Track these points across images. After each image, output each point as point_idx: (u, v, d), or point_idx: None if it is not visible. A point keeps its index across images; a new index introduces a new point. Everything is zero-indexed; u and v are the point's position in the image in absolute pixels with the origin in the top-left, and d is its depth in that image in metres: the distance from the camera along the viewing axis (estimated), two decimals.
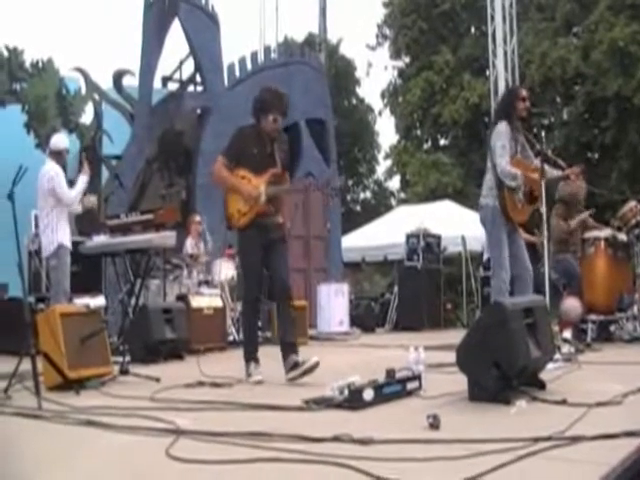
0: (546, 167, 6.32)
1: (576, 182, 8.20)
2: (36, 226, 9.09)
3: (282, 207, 5.97)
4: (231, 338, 9.83)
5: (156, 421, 3.85)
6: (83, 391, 5.17)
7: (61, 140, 8.03)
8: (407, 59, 31.88)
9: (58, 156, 7.77)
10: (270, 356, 7.47)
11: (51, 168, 7.62)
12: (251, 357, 5.75)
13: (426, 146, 30.83)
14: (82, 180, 7.82)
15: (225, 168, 5.72)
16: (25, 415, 4.24)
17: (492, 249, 6.36)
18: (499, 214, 6.06)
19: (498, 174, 6.03)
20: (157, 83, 14.82)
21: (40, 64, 12.72)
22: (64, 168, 7.91)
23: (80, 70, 13.43)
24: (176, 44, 14.79)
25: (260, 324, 10.70)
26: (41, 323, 5.43)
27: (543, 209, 6.54)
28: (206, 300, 9.35)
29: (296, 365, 5.51)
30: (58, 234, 7.61)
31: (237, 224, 5.72)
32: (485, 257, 12.97)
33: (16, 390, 4.90)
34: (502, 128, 6.13)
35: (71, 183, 7.92)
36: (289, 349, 5.62)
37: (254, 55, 15.35)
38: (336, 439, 3.27)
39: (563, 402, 4.07)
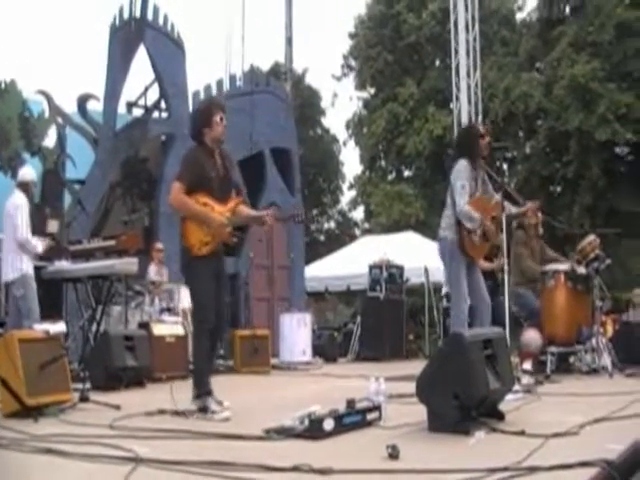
0: (505, 203, 6.44)
1: (534, 218, 8.39)
2: None
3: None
4: (193, 367, 9.76)
5: (115, 449, 3.82)
6: (42, 418, 5.11)
7: (28, 173, 8.08)
8: (372, 90, 32.22)
9: (25, 187, 7.81)
10: (232, 385, 7.46)
11: (18, 198, 7.65)
12: (208, 391, 5.33)
13: (390, 177, 31.06)
14: (40, 244, 7.80)
15: (184, 194, 5.32)
16: None
17: (451, 281, 6.43)
18: (457, 247, 6.15)
19: (456, 213, 6.12)
20: (122, 108, 14.79)
21: (3, 85, 12.64)
22: (31, 199, 7.93)
23: (44, 93, 13.37)
24: (141, 70, 14.79)
25: (222, 352, 10.73)
26: None
27: (503, 238, 6.63)
28: (168, 328, 9.30)
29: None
30: (22, 262, 7.55)
31: (198, 253, 5.34)
32: (444, 291, 13.04)
33: None
34: (462, 167, 6.21)
35: (36, 207, 7.91)
36: None
37: (219, 83, 15.39)
38: (296, 469, 3.28)
39: (521, 433, 4.10)
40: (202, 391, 5.31)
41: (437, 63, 30.44)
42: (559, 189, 25.85)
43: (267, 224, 5.52)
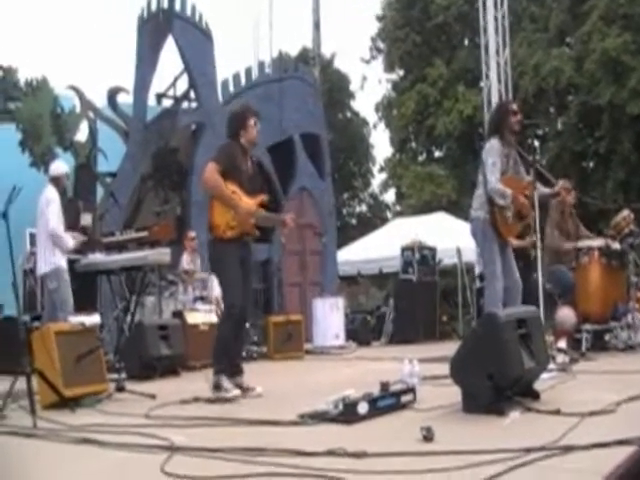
0: (537, 184, 6.39)
1: (567, 197, 8.27)
2: (31, 244, 9.12)
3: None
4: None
5: (151, 438, 3.87)
6: (79, 409, 5.19)
7: (60, 166, 8.12)
8: (401, 72, 31.98)
9: (57, 181, 7.87)
10: (266, 370, 7.51)
11: (50, 193, 7.71)
12: (224, 369, 5.62)
13: (421, 158, 30.87)
14: (73, 239, 7.87)
15: (218, 175, 5.64)
16: (20, 434, 4.26)
17: (485, 261, 6.42)
18: (489, 226, 6.12)
19: (488, 191, 6.09)
20: (151, 100, 14.83)
21: (34, 83, 12.74)
22: (64, 192, 8.00)
23: (74, 88, 13.46)
24: (170, 61, 14.83)
25: (256, 338, 10.79)
26: (36, 341, 5.44)
27: (536, 216, 6.57)
28: (202, 316, 9.35)
29: (239, 388, 5.63)
30: (54, 256, 7.63)
31: (222, 235, 5.66)
32: (477, 271, 12.96)
33: (11, 409, 4.92)
34: (494, 144, 6.21)
35: (69, 201, 7.98)
36: (238, 370, 5.77)
37: (248, 71, 15.38)
38: (330, 453, 3.29)
39: (557, 412, 4.07)
40: (219, 369, 5.61)
41: (466, 42, 30.14)
42: (592, 165, 25.53)
43: (287, 227, 6.01)
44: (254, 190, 5.87)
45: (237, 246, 5.70)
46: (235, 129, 5.92)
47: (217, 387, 5.54)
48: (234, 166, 5.74)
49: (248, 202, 5.73)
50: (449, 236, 15.89)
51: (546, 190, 6.59)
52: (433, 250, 14.67)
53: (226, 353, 5.72)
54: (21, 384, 4.87)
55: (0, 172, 10.62)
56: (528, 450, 3.13)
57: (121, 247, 8.78)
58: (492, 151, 6.21)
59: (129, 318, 8.45)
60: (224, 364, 5.65)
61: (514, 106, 6.47)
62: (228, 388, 5.52)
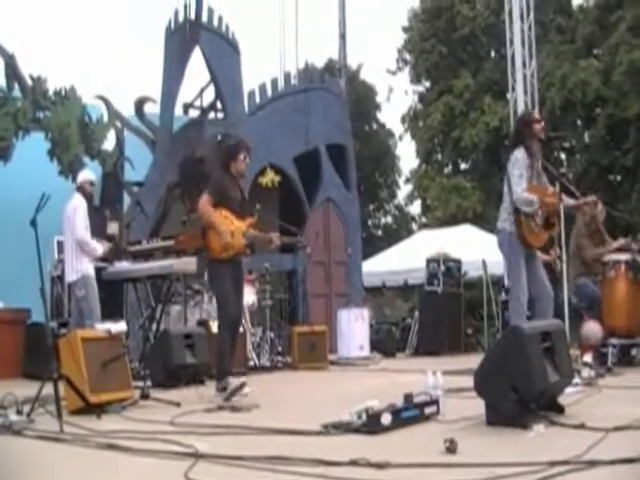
0: (562, 195, 6.39)
1: (591, 211, 8.23)
2: (59, 252, 9.21)
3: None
4: (252, 363, 9.86)
5: (176, 445, 3.89)
6: (104, 415, 5.22)
7: (87, 176, 8.23)
8: (427, 83, 32.00)
9: (84, 190, 8.00)
10: (290, 380, 7.51)
11: (77, 200, 7.81)
12: (227, 373, 6.15)
13: (447, 170, 30.82)
14: (100, 247, 7.97)
15: (210, 205, 6.31)
16: (47, 438, 4.30)
17: (510, 272, 6.42)
18: (516, 238, 6.12)
19: (514, 202, 6.09)
20: (178, 110, 14.96)
21: (63, 92, 12.89)
22: (90, 200, 8.12)
23: (102, 98, 13.61)
24: (197, 71, 14.94)
25: (280, 349, 10.84)
26: (63, 348, 5.49)
27: (561, 229, 6.56)
28: None
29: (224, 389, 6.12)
30: (82, 264, 7.70)
31: (218, 256, 6.28)
32: (507, 283, 12.88)
33: (39, 414, 4.96)
34: (519, 155, 6.21)
35: (96, 210, 8.06)
36: None
37: (274, 82, 15.45)
38: (353, 463, 3.29)
39: (581, 426, 4.06)
40: (222, 374, 6.15)
41: (492, 54, 30.09)
42: (619, 178, 25.32)
43: (274, 245, 6.66)
44: (244, 214, 6.51)
45: (230, 265, 6.35)
46: (226, 160, 6.56)
47: (224, 389, 6.02)
48: (224, 195, 6.38)
49: (238, 225, 6.36)
50: (474, 248, 15.85)
51: (571, 201, 6.58)
52: (458, 262, 14.63)
53: (227, 358, 6.26)
54: (48, 389, 4.93)
55: (29, 180, 10.76)
56: (552, 464, 3.11)
57: (147, 256, 8.85)
58: (517, 163, 6.21)
59: (154, 326, 8.50)
60: (227, 368, 6.21)
61: (535, 114, 6.49)
62: (233, 382, 6.02)
